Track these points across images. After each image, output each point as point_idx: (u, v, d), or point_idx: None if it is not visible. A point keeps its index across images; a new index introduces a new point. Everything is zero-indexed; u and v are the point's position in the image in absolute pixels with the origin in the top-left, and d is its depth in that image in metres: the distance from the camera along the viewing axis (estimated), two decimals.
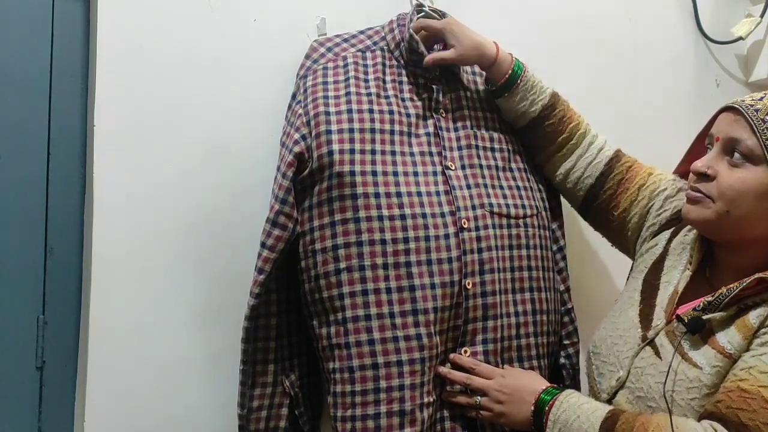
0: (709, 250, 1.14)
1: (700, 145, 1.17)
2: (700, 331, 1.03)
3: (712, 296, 1.04)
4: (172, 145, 1.22)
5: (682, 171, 1.26)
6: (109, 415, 1.16)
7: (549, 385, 1.14)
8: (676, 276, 1.15)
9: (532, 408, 1.11)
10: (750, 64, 1.83)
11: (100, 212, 1.18)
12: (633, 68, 1.68)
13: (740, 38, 1.78)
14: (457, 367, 1.18)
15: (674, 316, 1.07)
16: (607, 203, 1.30)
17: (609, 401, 1.11)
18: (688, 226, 1.19)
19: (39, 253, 1.18)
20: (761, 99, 1.07)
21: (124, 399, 1.17)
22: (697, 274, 1.13)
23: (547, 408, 1.09)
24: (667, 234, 1.22)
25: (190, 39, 1.24)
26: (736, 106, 1.07)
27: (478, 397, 1.15)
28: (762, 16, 1.76)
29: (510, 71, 1.28)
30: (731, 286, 1.03)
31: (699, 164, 1.08)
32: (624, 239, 1.31)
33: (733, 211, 1.04)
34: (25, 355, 1.16)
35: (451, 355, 1.18)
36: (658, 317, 1.11)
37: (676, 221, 1.22)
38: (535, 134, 1.32)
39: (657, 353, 1.07)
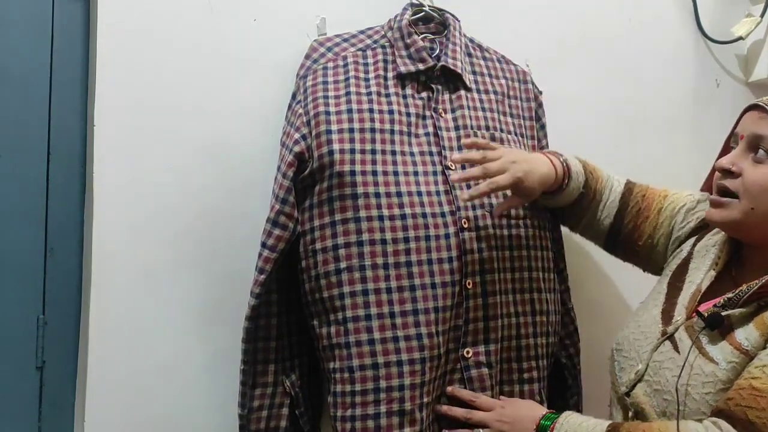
0: (737, 251, 1.15)
1: (725, 153, 1.17)
2: (718, 327, 1.04)
3: (733, 293, 1.04)
4: (172, 144, 1.22)
5: (709, 187, 1.26)
6: (109, 415, 1.16)
7: (547, 411, 1.16)
8: (699, 276, 1.15)
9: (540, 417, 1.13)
10: (750, 64, 1.83)
11: (100, 212, 1.18)
12: (633, 68, 1.68)
13: (740, 38, 1.78)
14: (455, 401, 1.19)
15: (695, 312, 1.08)
16: (630, 236, 1.29)
17: (627, 394, 1.11)
18: (713, 230, 1.20)
19: (39, 253, 1.18)
20: None
21: (124, 399, 1.17)
22: (723, 273, 1.14)
23: None
24: (692, 240, 1.23)
25: (190, 38, 1.24)
26: (761, 104, 1.08)
27: (480, 430, 1.16)
28: (762, 16, 1.76)
29: (565, 179, 1.25)
30: (751, 283, 1.04)
31: (724, 161, 1.09)
32: (654, 263, 1.30)
33: (758, 207, 1.05)
34: (25, 355, 1.16)
35: (449, 389, 1.19)
36: (679, 313, 1.12)
37: (701, 229, 1.23)
38: (570, 209, 1.31)
39: (676, 347, 1.07)
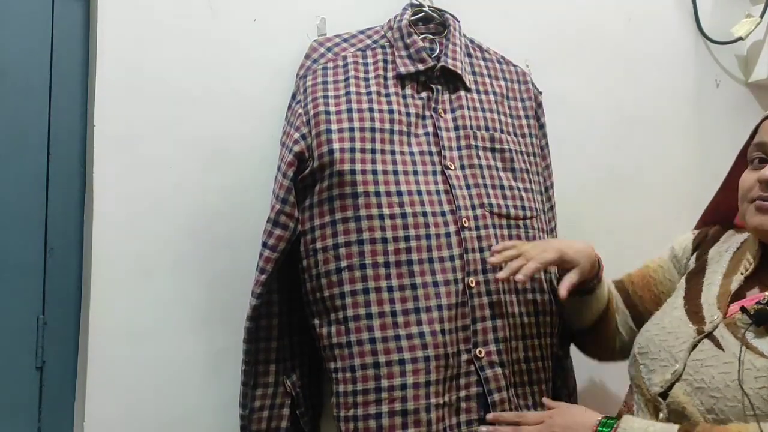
0: (764, 254, 1.17)
1: (739, 165, 1.22)
2: (765, 323, 1.05)
3: None
4: (172, 144, 1.22)
5: (710, 219, 1.31)
6: (109, 415, 1.16)
7: (602, 416, 1.12)
8: (717, 278, 1.17)
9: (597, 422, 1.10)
10: (750, 64, 1.83)
11: (100, 212, 1.17)
12: (633, 68, 1.68)
13: (740, 38, 1.78)
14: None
15: (739, 308, 1.09)
16: (640, 318, 1.28)
17: (664, 395, 1.10)
18: (721, 238, 1.24)
19: (39, 253, 1.18)
20: None
21: (124, 399, 1.17)
22: (750, 277, 1.16)
23: None
24: (695, 255, 1.27)
25: (190, 39, 1.24)
26: None
27: None
28: (762, 16, 1.76)
29: (600, 269, 1.26)
30: None
31: (767, 174, 1.11)
32: None
33: None
34: (25, 355, 1.16)
35: (490, 416, 1.16)
36: (710, 313, 1.12)
37: (700, 245, 1.27)
38: (597, 330, 1.30)
39: (718, 345, 1.07)
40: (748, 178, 1.16)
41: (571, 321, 1.32)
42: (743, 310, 1.08)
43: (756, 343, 1.05)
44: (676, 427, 1.04)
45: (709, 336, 1.09)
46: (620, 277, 1.35)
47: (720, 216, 1.31)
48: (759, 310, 1.06)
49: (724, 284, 1.15)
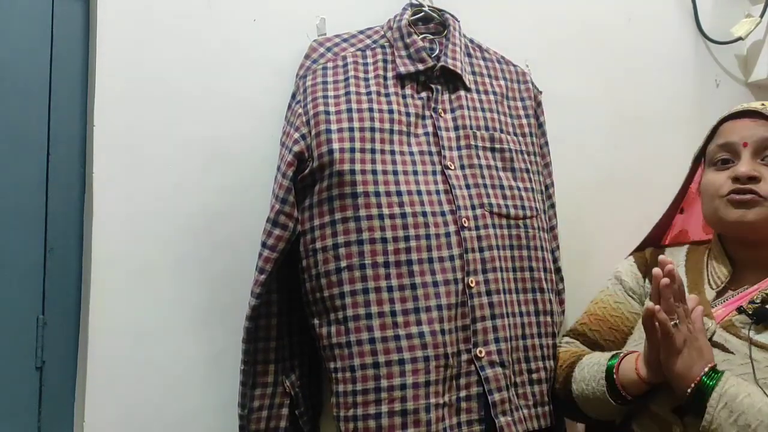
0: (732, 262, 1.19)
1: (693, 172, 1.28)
2: (765, 321, 1.07)
3: None
4: (171, 144, 1.22)
5: (656, 240, 1.34)
6: (109, 415, 1.16)
7: (711, 365, 1.04)
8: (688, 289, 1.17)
9: (705, 369, 1.03)
10: (750, 64, 1.83)
11: (100, 212, 1.17)
12: (633, 68, 1.68)
13: (740, 38, 1.78)
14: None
15: (735, 309, 1.10)
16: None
17: (674, 409, 1.08)
18: (672, 253, 1.25)
19: (39, 253, 1.18)
20: (764, 105, 1.17)
21: (124, 399, 1.17)
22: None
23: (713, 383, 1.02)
24: (647, 281, 1.27)
25: (189, 39, 1.24)
26: (756, 110, 1.17)
27: (677, 321, 1.04)
28: (761, 16, 1.76)
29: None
30: None
31: (743, 169, 1.14)
32: None
33: None
34: (25, 355, 1.16)
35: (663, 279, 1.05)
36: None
37: (647, 272, 1.26)
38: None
39: (725, 350, 1.08)
40: (716, 178, 1.18)
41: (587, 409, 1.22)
42: (740, 310, 1.09)
43: (763, 340, 1.06)
44: None
45: (711, 342, 1.09)
46: (576, 348, 1.28)
47: (655, 239, 1.34)
48: (757, 309, 1.08)
49: (697, 296, 1.14)
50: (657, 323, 1.02)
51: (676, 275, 1.05)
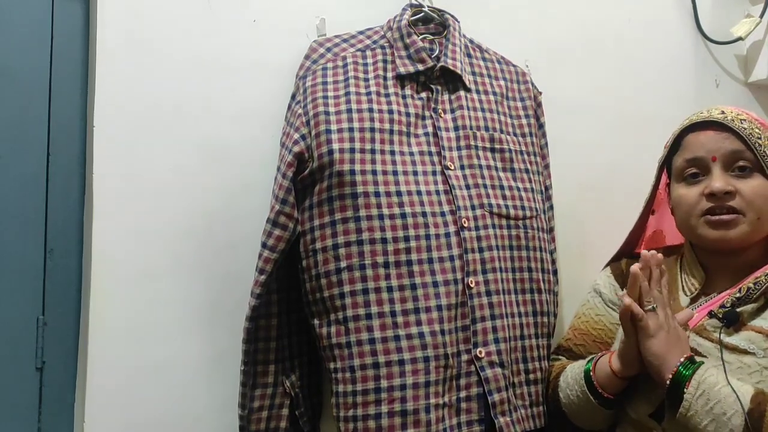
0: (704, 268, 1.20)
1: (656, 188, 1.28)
2: (735, 324, 1.08)
3: (740, 292, 1.10)
4: (171, 145, 1.22)
5: (632, 245, 1.33)
6: (109, 415, 1.16)
7: (687, 355, 1.06)
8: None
9: (681, 360, 1.04)
10: (749, 65, 1.83)
11: (100, 212, 1.17)
12: (633, 68, 1.68)
13: (740, 38, 1.78)
14: None
15: (706, 314, 1.11)
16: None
17: (653, 414, 1.10)
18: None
19: (39, 253, 1.18)
20: (723, 113, 1.15)
21: (124, 399, 1.17)
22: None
23: (690, 372, 1.03)
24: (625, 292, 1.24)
25: (189, 39, 1.24)
26: (716, 120, 1.15)
27: (654, 306, 1.06)
28: (761, 16, 1.76)
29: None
30: (758, 280, 1.10)
31: (718, 185, 1.12)
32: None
33: (762, 216, 1.13)
34: (25, 356, 1.16)
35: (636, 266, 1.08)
36: None
37: (624, 282, 1.24)
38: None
39: (697, 353, 1.08)
40: (688, 193, 1.17)
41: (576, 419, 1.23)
42: (711, 314, 1.10)
43: (734, 342, 1.07)
44: (752, 390, 1.02)
45: None
46: (565, 361, 1.28)
47: (630, 245, 1.33)
48: (728, 313, 1.09)
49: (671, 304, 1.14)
50: (631, 312, 1.05)
51: (660, 259, 1.08)
